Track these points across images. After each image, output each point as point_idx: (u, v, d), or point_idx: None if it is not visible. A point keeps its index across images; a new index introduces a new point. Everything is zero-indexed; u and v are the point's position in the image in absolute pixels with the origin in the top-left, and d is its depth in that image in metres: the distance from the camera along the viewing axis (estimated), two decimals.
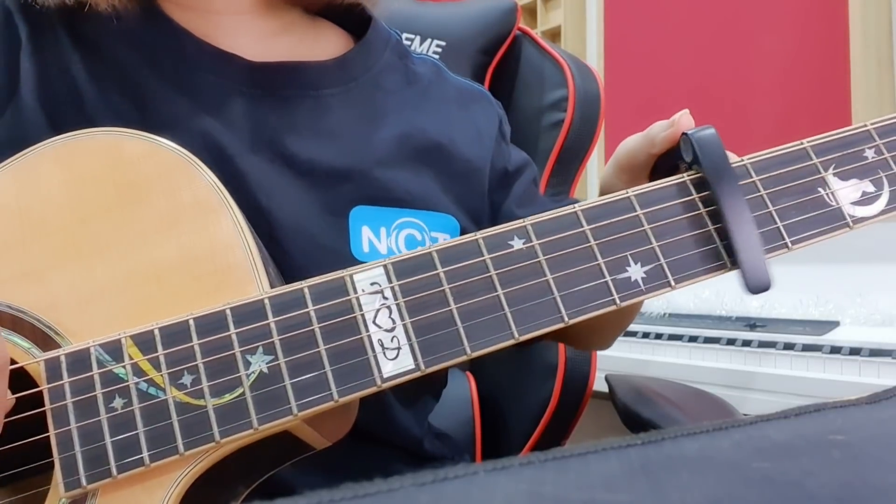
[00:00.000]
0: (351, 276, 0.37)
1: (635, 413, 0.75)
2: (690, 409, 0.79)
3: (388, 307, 0.37)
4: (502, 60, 0.86)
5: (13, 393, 0.35)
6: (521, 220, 0.39)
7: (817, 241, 0.41)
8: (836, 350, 0.98)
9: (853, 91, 1.33)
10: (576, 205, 0.40)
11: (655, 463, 0.22)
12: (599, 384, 0.95)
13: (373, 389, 0.36)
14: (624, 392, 0.83)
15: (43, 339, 0.37)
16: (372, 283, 0.37)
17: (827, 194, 0.41)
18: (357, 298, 0.37)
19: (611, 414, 0.82)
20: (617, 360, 1.14)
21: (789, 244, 0.40)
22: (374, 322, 0.36)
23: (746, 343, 1.07)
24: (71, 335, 0.37)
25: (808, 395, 0.96)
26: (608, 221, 0.39)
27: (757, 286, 0.39)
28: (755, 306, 1.21)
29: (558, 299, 0.37)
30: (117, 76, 0.49)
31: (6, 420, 0.35)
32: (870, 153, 0.42)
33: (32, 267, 0.38)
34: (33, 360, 0.36)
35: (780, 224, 0.40)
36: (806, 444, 0.24)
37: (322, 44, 0.57)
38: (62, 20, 0.49)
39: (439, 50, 0.82)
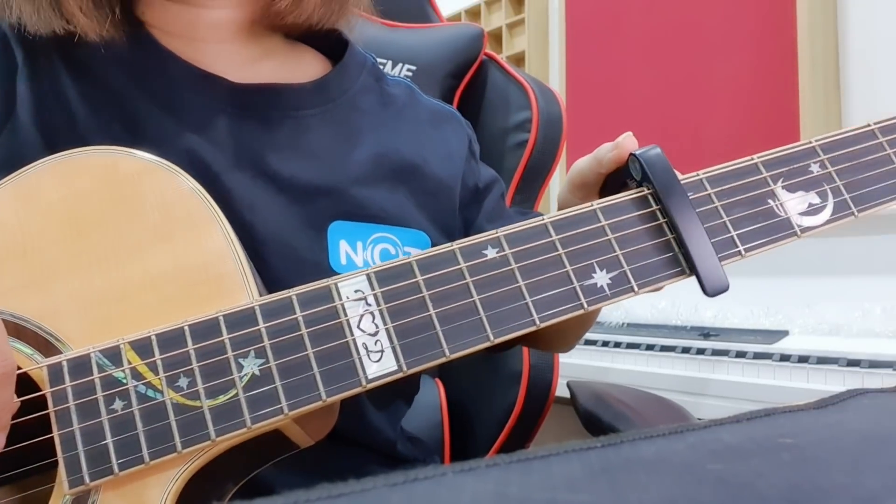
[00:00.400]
0: (336, 284, 0.39)
1: (596, 417, 0.76)
2: (648, 414, 0.80)
3: (372, 313, 0.38)
4: (470, 83, 0.88)
5: (18, 397, 0.36)
6: (493, 231, 0.41)
7: (768, 248, 0.42)
8: (785, 358, 1.01)
9: (801, 113, 1.37)
10: (544, 216, 0.42)
11: (614, 464, 0.22)
12: (562, 390, 0.96)
13: (358, 390, 0.37)
14: (585, 398, 0.85)
15: (45, 345, 0.38)
16: (356, 291, 0.38)
17: (776, 205, 0.43)
18: (342, 305, 0.38)
19: (572, 418, 0.83)
20: (578, 367, 1.16)
21: (742, 252, 0.42)
22: (358, 327, 0.38)
23: (701, 351, 1.09)
24: (71, 342, 0.38)
25: (759, 401, 0.98)
26: (575, 231, 0.41)
27: (714, 289, 0.41)
28: (709, 316, 1.24)
29: (530, 304, 0.39)
30: (109, 99, 0.50)
31: (13, 422, 0.36)
32: (815, 167, 0.44)
33: (33, 277, 0.39)
34: (36, 365, 0.37)
35: (733, 233, 0.42)
36: (757, 447, 0.25)
37: (302, 67, 0.59)
38: (56, 46, 0.50)
39: (410, 74, 0.83)
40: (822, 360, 0.98)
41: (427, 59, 0.82)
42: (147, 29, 0.52)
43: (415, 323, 0.38)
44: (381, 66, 0.77)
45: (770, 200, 0.43)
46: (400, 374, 0.38)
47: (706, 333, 1.16)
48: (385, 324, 0.38)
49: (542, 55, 1.90)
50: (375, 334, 0.38)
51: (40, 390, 0.37)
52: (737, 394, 1.01)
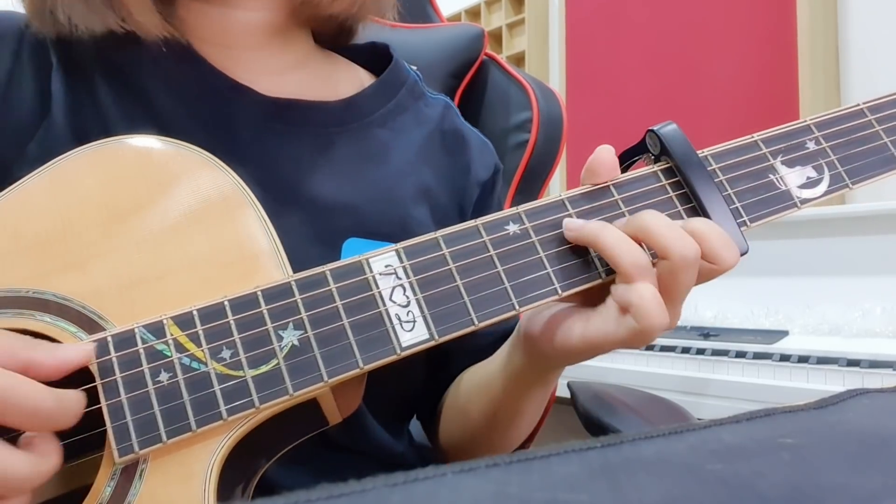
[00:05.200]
0: (367, 259, 0.40)
1: (596, 418, 0.77)
2: (648, 414, 0.80)
3: (402, 286, 0.40)
4: (470, 83, 0.88)
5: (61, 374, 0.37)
6: (514, 208, 0.42)
7: (771, 219, 0.44)
8: (785, 358, 1.01)
9: (801, 113, 1.38)
10: (562, 193, 0.43)
11: (615, 464, 0.22)
12: (562, 390, 0.96)
13: (393, 358, 0.38)
14: (585, 398, 0.85)
15: (89, 324, 0.39)
16: (386, 266, 0.40)
17: (776, 179, 0.45)
18: (373, 277, 0.40)
19: (572, 419, 0.83)
20: (578, 367, 1.15)
21: (748, 222, 0.44)
22: (390, 299, 0.39)
23: (701, 351, 1.10)
24: (114, 319, 0.39)
25: (759, 401, 0.98)
26: (590, 206, 0.43)
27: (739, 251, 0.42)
28: (709, 316, 1.24)
29: (551, 274, 0.41)
30: (141, 102, 0.51)
31: None
32: (810, 144, 0.46)
33: (73, 260, 0.40)
34: (81, 342, 0.37)
35: (738, 204, 0.44)
36: (757, 447, 0.25)
37: (335, 80, 0.59)
38: (92, 48, 0.51)
39: None
40: (822, 360, 0.98)
41: (428, 58, 0.82)
42: (184, 36, 0.53)
43: (443, 293, 0.40)
44: None
45: (770, 174, 0.45)
46: (432, 343, 0.39)
47: (706, 333, 1.16)
48: (415, 294, 0.39)
49: (542, 55, 1.91)
50: (407, 305, 0.39)
51: (86, 368, 0.37)
52: (737, 394, 1.02)
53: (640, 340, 0.39)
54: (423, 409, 0.62)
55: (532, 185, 0.85)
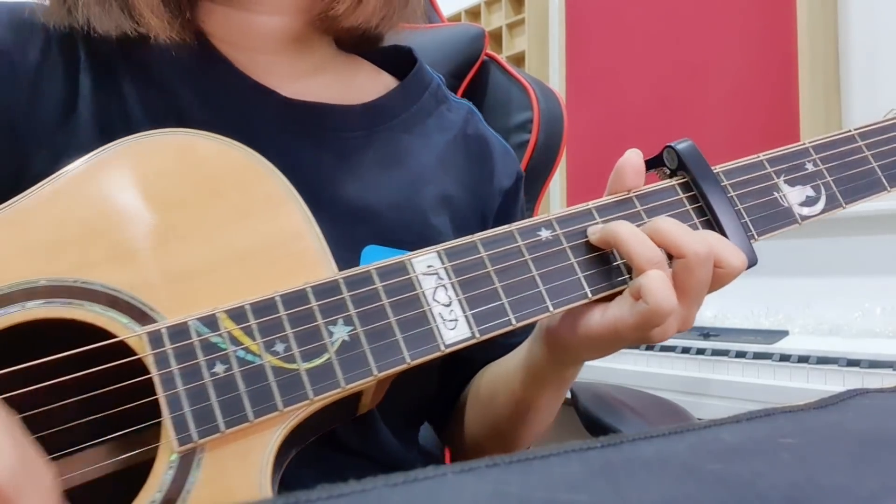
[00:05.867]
0: (409, 260, 0.42)
1: (596, 418, 0.77)
2: (648, 415, 0.80)
3: (444, 286, 0.42)
4: (471, 84, 0.88)
5: (116, 365, 0.37)
6: (545, 215, 0.45)
7: (775, 234, 0.48)
8: (785, 358, 1.01)
9: (801, 113, 1.37)
10: (589, 203, 0.46)
11: (615, 464, 0.22)
12: None
13: (437, 354, 0.40)
14: (585, 398, 0.85)
15: (140, 315, 0.39)
16: (428, 266, 0.42)
17: (780, 196, 0.49)
18: (416, 277, 0.41)
19: (573, 419, 0.83)
20: None
21: (755, 235, 0.47)
22: (433, 298, 0.41)
23: (701, 351, 1.10)
24: (165, 311, 0.39)
25: (758, 401, 0.98)
26: (615, 215, 0.46)
27: (749, 261, 0.45)
28: (709, 316, 1.24)
29: (581, 278, 0.43)
30: (165, 101, 0.51)
31: (112, 388, 0.37)
32: (809, 165, 0.50)
33: (121, 251, 0.40)
34: (134, 333, 0.38)
35: (747, 219, 0.47)
36: (757, 447, 0.25)
37: (358, 83, 0.59)
38: (118, 46, 0.51)
39: None
40: (822, 360, 0.98)
41: (428, 58, 0.82)
42: (207, 37, 0.53)
43: (483, 294, 0.42)
44: None
45: (775, 192, 0.49)
46: (473, 341, 0.41)
47: (706, 333, 1.16)
48: (457, 295, 0.41)
49: (542, 55, 1.90)
50: (449, 304, 0.41)
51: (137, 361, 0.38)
52: (737, 394, 1.02)
53: (650, 322, 0.41)
54: (436, 413, 0.62)
55: (533, 184, 0.85)
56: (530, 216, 0.85)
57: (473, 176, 0.59)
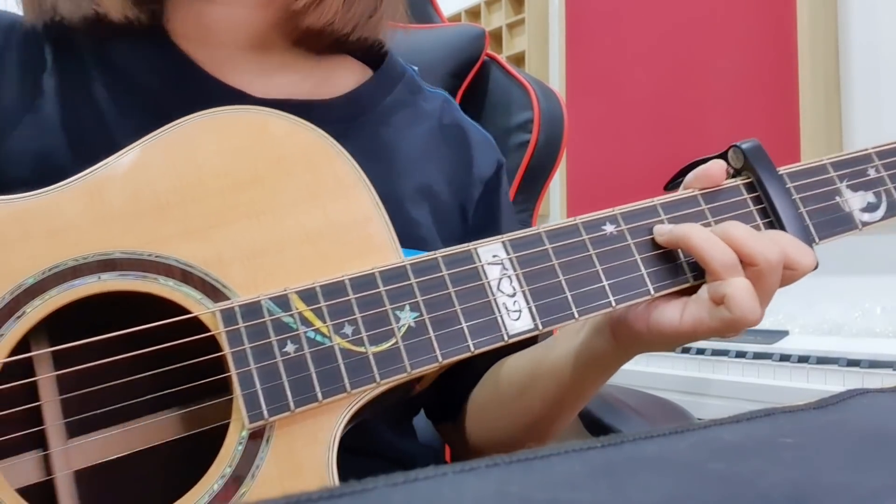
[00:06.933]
0: (475, 248, 0.42)
1: (597, 418, 0.77)
2: (649, 415, 0.80)
3: (509, 276, 0.42)
4: (472, 84, 0.88)
5: (188, 340, 0.38)
6: (610, 209, 0.45)
7: (836, 239, 0.47)
8: (785, 358, 1.02)
9: (801, 113, 1.38)
10: (654, 199, 0.46)
11: (616, 464, 0.22)
12: None
13: (500, 344, 0.41)
14: None
15: (212, 291, 0.39)
16: (493, 256, 0.42)
17: (842, 201, 0.48)
18: (482, 267, 0.42)
19: (573, 419, 0.83)
20: None
21: (816, 239, 0.47)
22: (498, 289, 0.41)
23: (701, 351, 1.10)
24: (237, 289, 0.39)
25: (759, 401, 0.99)
26: (681, 213, 0.45)
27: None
28: None
29: (645, 275, 0.43)
30: (138, 97, 0.51)
31: (186, 364, 0.38)
32: (871, 171, 0.50)
33: (194, 226, 0.40)
34: (207, 310, 0.38)
35: (809, 223, 0.47)
36: (758, 446, 0.25)
37: (332, 81, 0.58)
38: (85, 45, 0.51)
39: None
40: (822, 360, 0.98)
41: (429, 58, 0.82)
42: (169, 34, 0.53)
43: (547, 287, 0.42)
44: None
45: (837, 197, 0.48)
46: (536, 332, 0.41)
47: None
48: (521, 286, 0.42)
49: (542, 55, 1.91)
50: (513, 295, 0.41)
51: (209, 334, 0.38)
52: (737, 394, 1.02)
53: (730, 330, 0.41)
54: (443, 412, 0.62)
55: (533, 184, 0.85)
56: (530, 214, 0.86)
57: (452, 165, 0.59)
